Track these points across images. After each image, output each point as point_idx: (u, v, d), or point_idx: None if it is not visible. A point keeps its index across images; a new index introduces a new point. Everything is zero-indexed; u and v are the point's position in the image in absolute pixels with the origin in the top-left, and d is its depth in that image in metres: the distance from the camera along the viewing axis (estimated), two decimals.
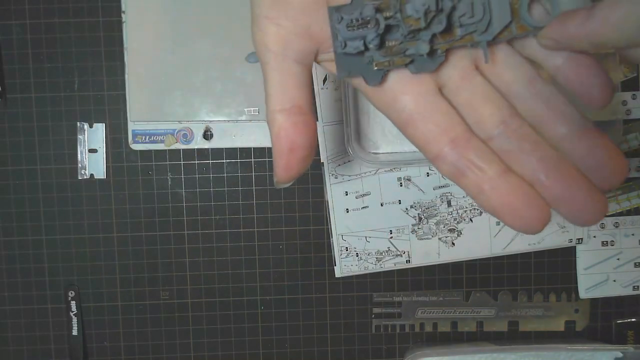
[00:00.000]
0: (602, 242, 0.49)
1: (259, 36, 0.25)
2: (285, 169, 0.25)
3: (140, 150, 0.48)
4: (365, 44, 0.25)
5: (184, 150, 0.48)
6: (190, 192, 0.49)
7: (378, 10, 0.24)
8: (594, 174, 0.25)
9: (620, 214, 0.49)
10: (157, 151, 0.48)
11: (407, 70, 0.26)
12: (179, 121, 0.47)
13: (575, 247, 0.49)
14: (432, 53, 0.25)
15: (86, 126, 0.48)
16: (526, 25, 0.25)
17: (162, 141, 0.48)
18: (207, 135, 0.48)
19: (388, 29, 0.25)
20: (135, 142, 0.48)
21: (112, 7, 0.47)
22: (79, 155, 0.48)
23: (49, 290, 0.49)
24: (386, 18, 0.25)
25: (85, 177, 0.48)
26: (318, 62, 0.27)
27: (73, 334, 0.49)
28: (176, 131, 0.48)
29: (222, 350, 0.50)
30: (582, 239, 0.49)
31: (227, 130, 0.47)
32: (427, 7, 0.24)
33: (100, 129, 0.48)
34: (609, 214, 0.49)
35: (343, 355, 0.50)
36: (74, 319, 0.49)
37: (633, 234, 0.49)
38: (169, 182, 0.49)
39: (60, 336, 0.49)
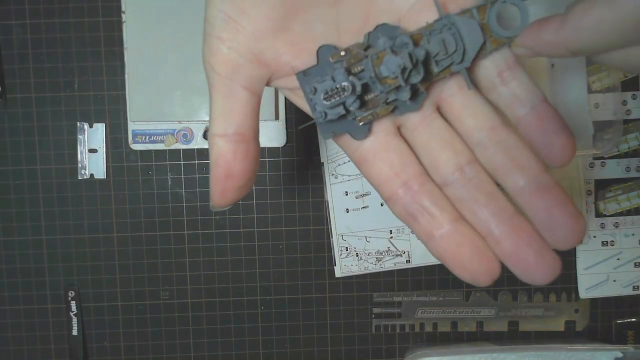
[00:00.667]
0: (602, 242, 0.49)
1: (207, 56, 0.24)
2: (220, 195, 0.25)
3: (140, 150, 0.48)
4: (345, 108, 0.24)
5: (184, 150, 0.48)
6: (190, 192, 0.49)
7: (349, 70, 0.24)
8: (548, 233, 0.24)
9: (620, 214, 0.49)
10: (157, 151, 0.48)
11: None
12: (179, 121, 0.47)
13: (575, 247, 0.49)
14: (414, 95, 0.25)
15: (86, 126, 0.48)
16: (499, 38, 0.25)
17: (162, 141, 0.48)
18: (207, 135, 0.48)
19: (365, 86, 0.24)
20: (135, 142, 0.48)
21: (112, 7, 0.47)
22: (79, 155, 0.48)
23: (49, 290, 0.49)
24: (358, 73, 0.24)
25: (85, 177, 0.48)
26: (270, 86, 0.26)
27: (73, 334, 0.49)
28: (176, 131, 0.48)
29: (222, 350, 0.50)
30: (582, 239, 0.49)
31: None
32: (403, 66, 0.23)
33: (100, 129, 0.48)
34: (609, 213, 0.49)
35: (343, 355, 0.50)
36: (74, 319, 0.49)
37: (633, 234, 0.49)
38: (169, 182, 0.49)
39: (60, 336, 0.49)
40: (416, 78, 0.24)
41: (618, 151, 0.49)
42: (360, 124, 0.25)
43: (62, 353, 0.49)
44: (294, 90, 0.26)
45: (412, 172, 0.25)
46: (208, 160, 0.49)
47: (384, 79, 0.24)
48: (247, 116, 0.25)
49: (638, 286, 0.49)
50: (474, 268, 0.24)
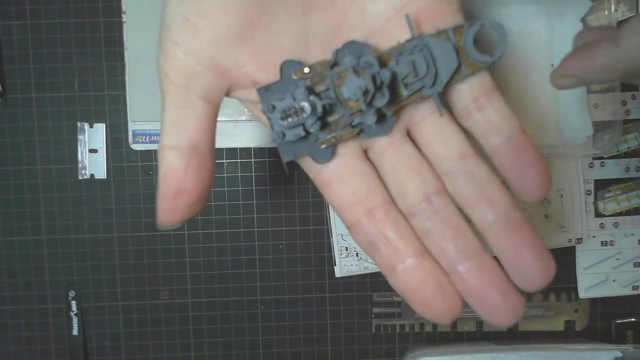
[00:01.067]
0: (602, 242, 0.49)
1: (161, 61, 0.22)
2: (169, 213, 0.22)
3: (140, 150, 0.48)
4: (305, 129, 0.23)
5: None
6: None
7: (311, 90, 0.22)
8: (515, 274, 0.23)
9: (620, 213, 0.49)
10: (157, 151, 0.48)
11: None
12: None
13: (574, 247, 0.49)
14: (381, 118, 0.23)
15: (86, 126, 0.48)
16: (476, 62, 0.23)
17: None
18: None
19: (328, 106, 0.23)
20: (135, 142, 0.48)
21: (113, 7, 0.47)
22: (79, 155, 0.48)
23: (49, 290, 0.49)
24: (321, 93, 0.23)
25: (85, 177, 0.48)
26: (230, 97, 0.24)
27: (73, 333, 0.49)
28: None
29: (222, 350, 0.50)
30: (581, 239, 0.49)
31: (227, 130, 0.48)
32: (365, 88, 0.22)
33: (100, 129, 0.48)
34: (609, 214, 0.49)
35: (343, 355, 0.50)
36: (74, 319, 0.49)
37: (632, 234, 0.49)
38: None
39: (61, 336, 0.49)
40: (380, 102, 0.22)
41: (617, 151, 0.49)
42: (323, 146, 0.24)
43: (63, 353, 0.49)
44: (256, 104, 0.24)
45: (377, 200, 0.24)
46: None
47: (345, 101, 0.22)
48: (203, 128, 0.23)
49: (637, 286, 0.50)
50: (435, 306, 0.23)
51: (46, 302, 0.49)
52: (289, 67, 0.23)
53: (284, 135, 0.23)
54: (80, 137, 0.48)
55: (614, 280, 0.49)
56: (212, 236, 0.49)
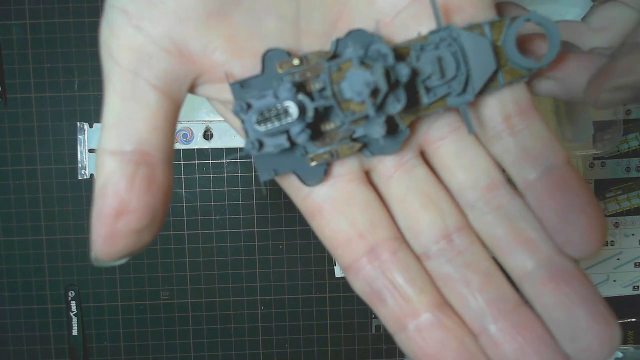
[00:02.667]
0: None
1: (105, 36, 0.17)
2: (106, 240, 0.17)
3: None
4: (290, 139, 0.17)
5: (184, 150, 0.48)
6: (190, 192, 0.49)
7: (301, 87, 0.17)
8: (565, 337, 0.18)
9: (620, 213, 0.49)
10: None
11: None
12: (179, 121, 0.47)
13: None
14: (391, 131, 0.18)
15: (86, 126, 0.48)
16: (517, 69, 0.18)
17: None
18: (207, 135, 0.48)
19: (323, 110, 0.18)
20: None
21: None
22: (79, 155, 0.48)
23: (49, 290, 0.49)
24: (314, 93, 0.17)
25: (85, 177, 0.48)
26: (195, 93, 0.19)
27: (73, 334, 0.49)
28: (176, 131, 0.48)
29: (222, 350, 0.50)
30: None
31: (227, 130, 0.47)
32: (375, 86, 0.16)
33: (100, 129, 0.48)
34: (609, 214, 0.49)
35: (343, 355, 0.50)
36: (74, 319, 0.49)
37: (633, 234, 0.49)
38: None
39: (61, 336, 0.49)
40: (394, 107, 0.17)
41: (618, 151, 0.49)
42: (313, 163, 0.18)
43: (63, 353, 0.49)
44: (228, 105, 0.19)
45: (382, 234, 0.19)
46: (208, 160, 0.49)
47: (346, 103, 0.17)
48: (156, 128, 0.17)
49: (638, 286, 0.49)
50: None
51: (46, 302, 0.49)
52: (274, 57, 0.18)
53: (260, 144, 0.17)
54: (79, 137, 0.48)
55: (614, 281, 0.49)
56: (212, 236, 0.49)
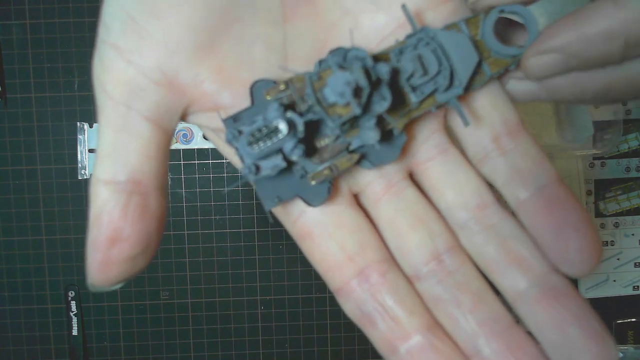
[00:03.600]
0: (602, 242, 0.49)
1: (98, 71, 0.18)
2: (101, 267, 0.17)
3: None
4: (285, 158, 0.17)
5: (184, 150, 0.48)
6: (190, 192, 0.49)
7: (289, 107, 0.17)
8: (559, 355, 0.17)
9: (620, 213, 0.49)
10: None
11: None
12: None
13: None
14: (387, 136, 0.18)
15: (86, 126, 0.48)
16: (502, 59, 0.19)
17: None
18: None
19: (312, 125, 0.18)
20: None
21: None
22: (79, 155, 0.48)
23: (49, 291, 0.49)
24: (303, 113, 0.18)
25: (85, 177, 0.48)
26: (187, 122, 0.20)
27: (73, 334, 0.49)
28: (176, 131, 0.48)
29: (222, 350, 0.50)
30: None
31: None
32: (355, 84, 0.16)
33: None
34: (609, 213, 0.49)
35: (343, 355, 0.50)
36: (74, 319, 0.49)
37: (633, 234, 0.49)
38: (169, 182, 0.49)
39: (61, 336, 0.49)
40: (381, 106, 0.17)
41: (618, 151, 0.49)
42: (313, 182, 0.18)
43: (63, 353, 0.49)
44: (219, 133, 0.19)
45: (372, 257, 0.19)
46: (208, 160, 0.49)
47: (332, 108, 0.17)
48: (148, 158, 0.18)
49: (638, 286, 0.49)
50: None
51: (46, 303, 0.49)
52: (262, 87, 0.18)
53: (257, 168, 0.17)
54: (79, 137, 0.48)
55: (614, 281, 0.49)
56: (212, 236, 0.49)
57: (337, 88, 0.16)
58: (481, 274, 0.19)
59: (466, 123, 0.18)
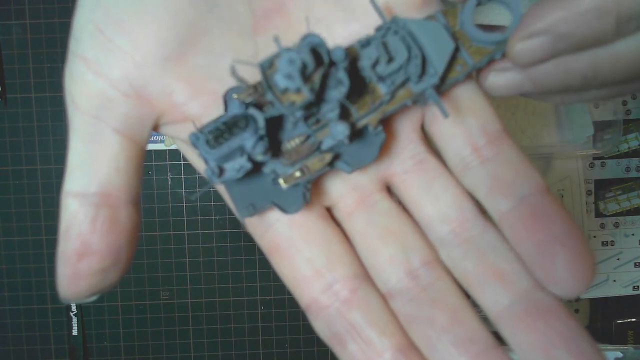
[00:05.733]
0: (602, 242, 0.49)
1: (67, 83, 0.18)
2: (70, 280, 0.17)
3: None
4: (250, 158, 0.17)
5: None
6: (190, 192, 0.49)
7: (252, 104, 0.17)
8: None
9: (620, 213, 0.49)
10: (157, 151, 0.48)
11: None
12: None
13: None
14: (359, 133, 0.17)
15: None
16: (482, 46, 0.17)
17: (162, 141, 0.48)
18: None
19: (278, 122, 0.17)
20: None
21: None
22: None
23: (49, 291, 0.49)
24: (263, 106, 0.17)
25: None
26: (159, 132, 0.19)
27: (73, 334, 0.49)
28: None
29: (222, 350, 0.50)
30: None
31: None
32: (302, 64, 0.15)
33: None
34: (609, 213, 0.49)
35: None
36: (74, 319, 0.49)
37: (633, 234, 0.49)
38: (169, 182, 0.49)
39: (61, 336, 0.49)
40: (339, 91, 0.16)
41: (618, 151, 0.49)
42: (284, 185, 0.17)
43: (62, 353, 0.49)
44: (191, 145, 0.19)
45: (341, 272, 0.18)
46: None
47: (284, 96, 0.16)
48: (119, 171, 0.17)
49: (638, 286, 0.49)
50: None
51: (46, 302, 0.49)
52: (233, 95, 0.17)
53: (221, 170, 0.17)
54: None
55: (614, 281, 0.49)
56: (212, 236, 0.49)
57: (284, 69, 0.15)
58: (461, 291, 0.18)
59: (445, 114, 0.17)
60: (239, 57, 0.18)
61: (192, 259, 0.49)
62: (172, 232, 0.49)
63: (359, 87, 0.17)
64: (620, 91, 0.17)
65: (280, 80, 0.16)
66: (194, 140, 0.17)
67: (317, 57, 0.16)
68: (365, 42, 0.17)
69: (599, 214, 0.49)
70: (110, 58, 0.17)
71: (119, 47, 0.17)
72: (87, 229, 0.17)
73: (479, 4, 0.17)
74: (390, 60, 0.17)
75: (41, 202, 0.48)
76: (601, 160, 0.48)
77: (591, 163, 0.48)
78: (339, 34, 0.18)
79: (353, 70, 0.17)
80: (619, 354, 0.43)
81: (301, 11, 0.18)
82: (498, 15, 0.18)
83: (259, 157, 0.16)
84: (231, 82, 0.17)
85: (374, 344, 0.17)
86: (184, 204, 0.49)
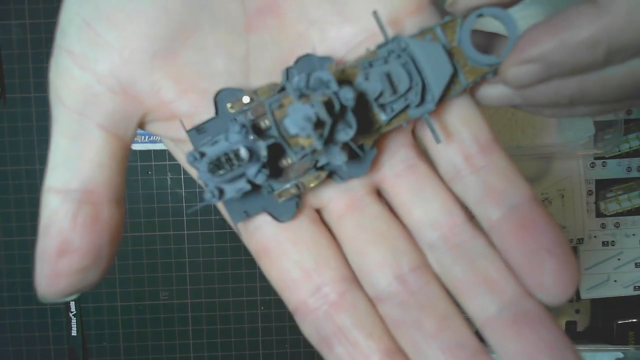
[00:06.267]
0: (603, 242, 0.49)
1: (53, 77, 0.17)
2: (49, 279, 0.16)
3: (139, 150, 0.48)
4: (250, 181, 0.17)
5: None
6: (189, 192, 0.49)
7: (255, 127, 0.17)
8: None
9: (621, 214, 0.49)
10: (156, 151, 0.48)
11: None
12: None
13: (576, 247, 0.49)
14: (355, 155, 0.17)
15: None
16: (478, 67, 0.17)
17: (161, 141, 0.48)
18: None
19: (276, 145, 0.17)
20: (134, 141, 0.48)
21: None
22: None
23: None
24: (267, 130, 0.17)
25: None
26: (146, 130, 0.19)
27: (72, 334, 0.49)
28: None
29: (221, 351, 0.49)
30: (582, 239, 0.49)
31: None
32: (316, 119, 0.16)
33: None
34: (610, 214, 0.49)
35: None
36: (73, 320, 0.49)
37: (634, 234, 0.49)
38: (169, 182, 0.48)
39: (60, 337, 0.49)
40: (347, 134, 0.16)
41: (619, 151, 0.48)
42: (281, 199, 0.18)
43: (62, 354, 0.49)
44: (179, 143, 0.19)
45: (330, 275, 0.18)
46: None
47: (293, 139, 0.16)
48: (102, 167, 0.17)
49: (639, 286, 0.49)
50: None
51: (45, 303, 0.49)
52: (227, 97, 0.17)
53: (221, 192, 0.17)
54: None
55: (615, 281, 0.49)
56: (212, 236, 0.49)
57: (297, 122, 0.16)
58: (450, 297, 0.18)
59: (438, 140, 0.17)
60: (231, 55, 0.18)
61: (192, 259, 0.49)
62: (171, 232, 0.49)
63: (361, 118, 0.17)
64: (608, 109, 0.17)
65: (291, 127, 0.16)
66: (192, 161, 0.17)
67: (328, 106, 0.16)
68: (368, 64, 0.17)
69: (599, 214, 0.49)
70: (98, 52, 0.17)
71: (107, 42, 0.17)
72: (67, 226, 0.16)
73: (479, 16, 0.17)
74: (393, 92, 0.17)
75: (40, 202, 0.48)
76: (602, 160, 0.48)
77: (592, 163, 0.48)
78: (332, 36, 0.18)
79: (358, 103, 0.17)
80: (620, 355, 0.43)
81: (295, 11, 0.18)
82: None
83: (260, 182, 0.17)
84: (222, 82, 0.17)
85: (361, 348, 0.17)
86: (184, 204, 0.49)
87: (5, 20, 0.47)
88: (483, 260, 0.17)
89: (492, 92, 0.18)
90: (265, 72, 0.18)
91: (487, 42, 0.19)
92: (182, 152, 0.19)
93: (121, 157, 0.18)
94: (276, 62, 0.18)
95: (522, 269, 0.17)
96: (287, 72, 0.18)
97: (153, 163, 0.48)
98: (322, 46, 0.18)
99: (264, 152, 0.16)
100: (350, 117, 0.16)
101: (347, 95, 0.16)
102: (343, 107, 0.16)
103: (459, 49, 0.17)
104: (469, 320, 0.18)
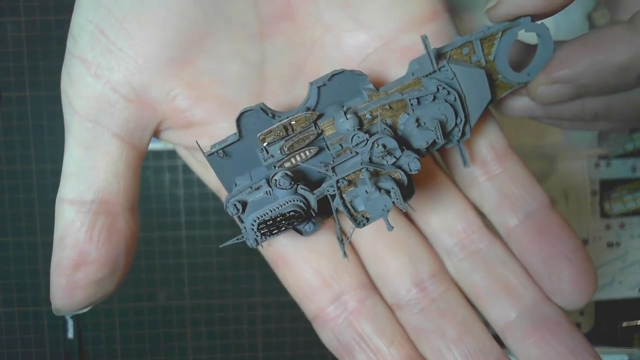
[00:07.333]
0: (608, 244, 0.49)
1: (65, 84, 0.17)
2: (65, 291, 0.16)
3: None
4: (297, 229, 0.18)
5: None
6: (188, 193, 0.48)
7: (293, 179, 0.16)
8: None
9: (626, 214, 0.48)
10: (155, 151, 0.48)
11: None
12: None
13: None
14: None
15: None
16: (507, 82, 0.17)
17: (160, 141, 0.47)
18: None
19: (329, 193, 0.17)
20: None
21: None
22: None
23: (44, 293, 0.48)
24: (308, 159, 0.17)
25: None
26: (160, 138, 0.19)
27: (69, 337, 0.48)
28: None
29: (220, 353, 0.49)
30: (587, 240, 0.48)
31: None
32: (392, 191, 0.16)
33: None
34: (615, 214, 0.48)
35: None
36: (70, 322, 0.48)
37: (639, 235, 0.49)
38: (167, 183, 0.48)
39: (56, 339, 0.49)
40: (415, 165, 0.17)
41: (624, 150, 0.48)
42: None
43: (58, 356, 0.49)
44: (193, 152, 0.18)
45: (349, 282, 0.18)
46: None
47: (359, 213, 0.17)
48: (117, 177, 0.17)
49: None
50: None
51: (41, 305, 0.48)
52: (250, 119, 0.16)
53: (261, 238, 0.17)
54: None
55: (620, 282, 0.49)
56: (211, 237, 0.48)
57: (376, 211, 0.16)
58: (469, 303, 0.18)
59: (466, 164, 0.17)
60: (246, 62, 0.17)
61: (191, 260, 0.49)
62: (170, 233, 0.48)
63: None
64: (628, 126, 0.18)
65: (361, 205, 0.16)
66: (234, 213, 0.17)
67: (398, 183, 0.16)
68: (416, 102, 0.17)
69: (604, 215, 0.48)
70: (112, 60, 0.16)
71: (121, 49, 0.16)
72: (84, 237, 0.16)
73: (516, 35, 0.17)
74: (441, 136, 0.17)
75: (36, 203, 0.48)
76: (607, 160, 0.48)
77: (597, 163, 0.48)
78: (347, 42, 0.18)
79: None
80: (625, 357, 0.42)
81: (310, 17, 0.18)
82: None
83: (308, 231, 0.17)
84: (237, 88, 0.17)
85: (384, 355, 0.17)
86: (183, 205, 0.48)
87: (0, 18, 0.46)
88: (501, 267, 0.17)
89: (516, 103, 0.18)
90: (281, 78, 0.18)
91: (519, 50, 0.19)
92: (196, 160, 0.19)
93: (136, 165, 0.17)
94: (291, 67, 0.18)
95: (540, 275, 0.17)
96: (319, 91, 0.17)
97: (152, 163, 0.48)
98: (336, 52, 0.18)
99: (314, 203, 0.16)
100: (412, 182, 0.16)
101: (413, 167, 0.16)
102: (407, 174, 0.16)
103: (494, 63, 0.17)
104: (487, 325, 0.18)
